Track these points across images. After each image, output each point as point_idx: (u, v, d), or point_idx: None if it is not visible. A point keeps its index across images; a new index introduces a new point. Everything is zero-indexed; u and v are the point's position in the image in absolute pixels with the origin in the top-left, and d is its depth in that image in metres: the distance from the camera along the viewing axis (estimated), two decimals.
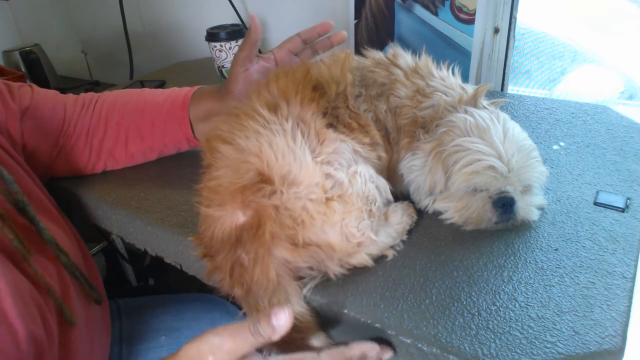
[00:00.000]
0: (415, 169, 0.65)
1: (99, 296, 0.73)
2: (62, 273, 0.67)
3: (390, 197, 0.63)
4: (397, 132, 0.68)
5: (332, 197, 0.56)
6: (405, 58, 0.72)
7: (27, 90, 0.80)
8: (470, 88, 0.69)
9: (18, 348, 0.49)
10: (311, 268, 0.58)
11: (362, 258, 0.59)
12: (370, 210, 0.58)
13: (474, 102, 0.67)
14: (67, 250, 0.68)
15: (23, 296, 0.57)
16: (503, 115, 0.65)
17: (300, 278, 0.58)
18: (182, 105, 0.80)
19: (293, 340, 0.52)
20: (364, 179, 0.58)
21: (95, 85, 1.79)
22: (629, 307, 0.52)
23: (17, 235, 0.61)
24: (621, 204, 0.66)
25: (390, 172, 0.68)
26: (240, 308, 0.58)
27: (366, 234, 0.57)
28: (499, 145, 0.61)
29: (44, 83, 1.64)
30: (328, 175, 0.57)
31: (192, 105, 0.81)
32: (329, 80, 0.68)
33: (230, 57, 1.23)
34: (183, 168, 0.87)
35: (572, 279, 0.56)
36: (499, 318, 0.52)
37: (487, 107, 0.67)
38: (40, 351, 0.54)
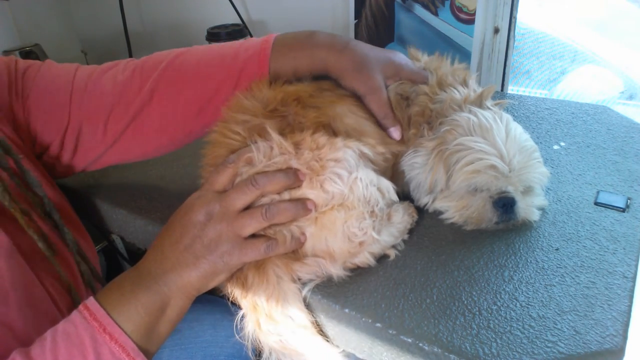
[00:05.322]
0: (417, 166, 0.65)
1: None
2: (78, 280, 0.67)
3: (395, 197, 0.63)
4: (407, 123, 0.68)
5: (334, 206, 0.57)
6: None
7: (29, 77, 0.71)
8: (479, 89, 0.70)
9: None
10: (315, 275, 0.58)
11: (365, 257, 0.59)
12: (372, 211, 0.58)
13: (479, 102, 0.67)
14: (88, 258, 0.68)
15: (37, 309, 0.57)
16: (506, 116, 0.65)
17: (300, 278, 0.58)
18: None
19: None
20: (365, 184, 0.58)
21: None
22: (630, 306, 0.52)
23: (44, 234, 0.61)
24: (622, 204, 0.66)
25: (393, 169, 0.68)
26: (241, 308, 0.59)
27: (368, 233, 0.58)
28: (501, 145, 0.61)
29: None
30: (323, 191, 0.57)
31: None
32: None
33: None
34: (184, 168, 0.87)
35: (573, 278, 0.56)
36: (500, 317, 0.52)
37: (492, 107, 0.67)
38: None
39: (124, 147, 0.72)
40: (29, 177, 0.62)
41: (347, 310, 0.55)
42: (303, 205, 0.56)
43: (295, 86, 0.64)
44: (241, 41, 0.72)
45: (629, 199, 0.68)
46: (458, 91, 0.68)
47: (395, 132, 0.67)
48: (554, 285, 0.55)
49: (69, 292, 0.63)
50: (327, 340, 0.57)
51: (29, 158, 0.68)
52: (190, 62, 0.69)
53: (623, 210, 0.66)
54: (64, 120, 0.69)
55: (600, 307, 0.52)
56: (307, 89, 0.63)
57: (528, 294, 0.55)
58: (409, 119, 0.68)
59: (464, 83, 0.70)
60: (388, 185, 0.61)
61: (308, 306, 0.58)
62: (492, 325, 0.51)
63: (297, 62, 0.67)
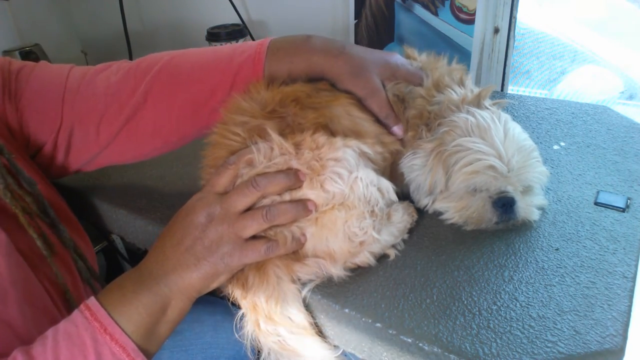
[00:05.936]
0: (416, 168, 0.65)
1: None
2: (76, 278, 0.67)
3: (394, 197, 0.63)
4: (405, 126, 0.69)
5: (334, 205, 0.57)
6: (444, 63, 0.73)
7: (22, 77, 0.70)
8: (476, 89, 0.70)
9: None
10: (315, 275, 0.58)
11: (365, 257, 0.59)
12: (372, 211, 0.59)
13: (477, 102, 0.67)
14: (85, 256, 0.68)
15: (36, 307, 0.57)
16: (504, 116, 0.65)
17: (300, 278, 0.58)
18: None
19: None
20: (365, 183, 0.58)
21: None
22: (630, 306, 0.52)
23: (43, 234, 0.61)
24: (621, 204, 0.66)
25: (392, 170, 0.68)
26: (241, 309, 0.59)
27: (369, 233, 0.58)
28: (499, 145, 0.61)
29: None
30: (323, 191, 0.57)
31: None
32: None
33: None
34: (184, 168, 0.87)
35: (573, 278, 0.56)
36: (500, 317, 0.52)
37: (490, 107, 0.67)
38: None
39: (118, 149, 0.72)
40: (22, 176, 0.62)
41: (347, 310, 0.55)
42: (304, 206, 0.56)
43: (292, 87, 0.64)
44: (236, 44, 0.72)
45: (629, 199, 0.68)
46: (455, 92, 0.68)
47: (399, 130, 0.67)
48: (554, 285, 0.55)
49: (64, 294, 0.63)
50: (327, 341, 0.58)
51: (23, 158, 0.68)
52: (185, 64, 0.69)
53: (623, 210, 0.66)
54: (57, 120, 0.69)
55: (600, 307, 0.52)
56: (304, 90, 0.63)
57: (528, 294, 0.55)
58: (407, 122, 0.68)
59: (461, 83, 0.69)
60: (388, 186, 0.61)
61: (308, 306, 0.58)
62: (492, 325, 0.51)
63: (293, 66, 0.67)
